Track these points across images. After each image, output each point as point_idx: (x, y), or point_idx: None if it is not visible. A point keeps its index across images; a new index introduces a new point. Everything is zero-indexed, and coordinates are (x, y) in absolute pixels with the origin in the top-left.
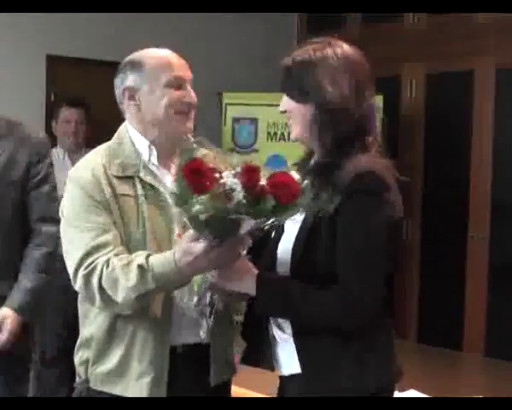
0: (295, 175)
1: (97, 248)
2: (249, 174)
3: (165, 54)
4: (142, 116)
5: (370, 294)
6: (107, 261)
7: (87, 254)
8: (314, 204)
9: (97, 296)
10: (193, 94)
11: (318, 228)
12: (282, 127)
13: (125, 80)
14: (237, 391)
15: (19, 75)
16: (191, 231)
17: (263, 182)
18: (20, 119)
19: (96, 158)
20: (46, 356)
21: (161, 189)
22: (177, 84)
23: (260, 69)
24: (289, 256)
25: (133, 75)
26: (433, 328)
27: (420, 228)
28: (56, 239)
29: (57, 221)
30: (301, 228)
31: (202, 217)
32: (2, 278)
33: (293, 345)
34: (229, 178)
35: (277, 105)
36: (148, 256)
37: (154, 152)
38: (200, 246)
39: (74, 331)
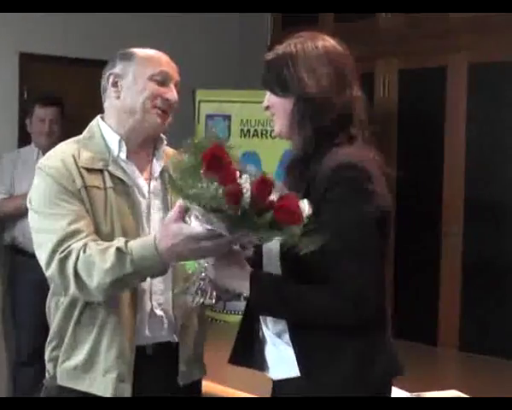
0: (306, 206)
1: (73, 233)
2: (261, 186)
3: (156, 52)
4: (120, 104)
5: (361, 288)
6: (84, 246)
7: (62, 240)
8: (301, 241)
9: (72, 282)
10: (175, 93)
11: None
12: (255, 124)
13: (113, 67)
14: (228, 392)
15: None
16: (172, 213)
17: (273, 197)
18: None
19: (66, 149)
20: (21, 355)
21: (130, 183)
22: (162, 79)
23: (234, 67)
24: (277, 248)
25: (121, 64)
26: (408, 323)
27: (394, 224)
28: None
29: None
30: None
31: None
32: None
33: (287, 349)
34: (245, 182)
35: (251, 102)
36: (127, 241)
37: (124, 147)
38: (178, 226)
39: (49, 330)
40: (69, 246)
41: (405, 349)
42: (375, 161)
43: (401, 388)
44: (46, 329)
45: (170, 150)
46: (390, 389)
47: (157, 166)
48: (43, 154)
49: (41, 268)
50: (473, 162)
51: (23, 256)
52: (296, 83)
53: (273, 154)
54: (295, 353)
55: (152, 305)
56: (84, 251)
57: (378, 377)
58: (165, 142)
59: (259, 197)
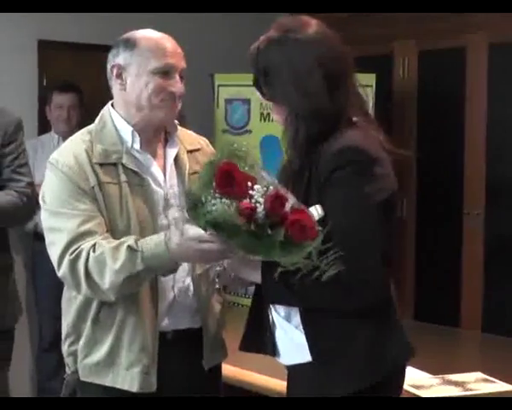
0: (318, 210)
1: (83, 234)
2: (275, 200)
3: (160, 38)
4: (126, 97)
5: (365, 272)
6: (94, 245)
7: (73, 241)
8: (315, 261)
9: (83, 282)
10: (179, 84)
11: (308, 201)
12: None
13: (116, 57)
14: (247, 375)
15: (11, 61)
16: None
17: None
18: (14, 104)
19: (78, 143)
20: (43, 341)
21: (144, 175)
22: (165, 71)
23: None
24: None
25: (124, 53)
26: (431, 306)
27: (415, 206)
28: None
29: (22, 193)
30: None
31: (209, 217)
32: None
33: (298, 334)
34: (258, 194)
35: None
36: (137, 239)
37: (137, 138)
38: (185, 226)
39: None
40: (79, 247)
41: (428, 332)
42: (379, 143)
43: (424, 370)
44: None
45: (185, 133)
46: (403, 373)
47: (171, 153)
48: (64, 140)
49: None
50: (494, 143)
51: (44, 242)
52: (284, 97)
53: None
54: (307, 338)
55: (175, 294)
56: (94, 250)
57: (390, 361)
58: (178, 128)
59: (273, 212)
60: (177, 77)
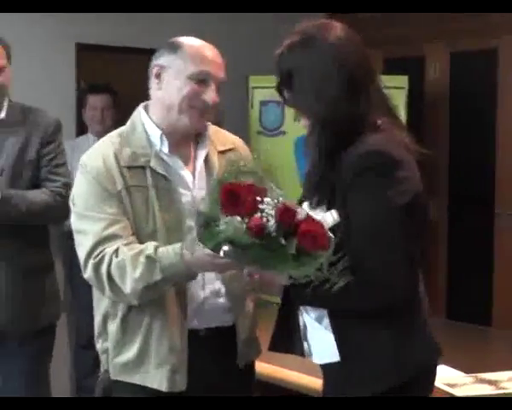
0: (333, 215)
1: (107, 238)
2: (285, 214)
3: (203, 46)
4: (161, 97)
5: (388, 275)
6: (117, 250)
7: (97, 244)
8: (325, 273)
9: (106, 286)
10: (213, 94)
11: (333, 206)
12: None
13: (159, 58)
14: (281, 372)
15: (49, 64)
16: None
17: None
18: (53, 107)
19: (107, 146)
20: (81, 338)
21: (172, 178)
22: (202, 78)
23: None
24: None
25: (167, 55)
26: (463, 305)
27: (446, 206)
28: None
29: (57, 193)
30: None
31: (222, 237)
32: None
33: (327, 334)
34: (268, 207)
35: None
36: (157, 247)
37: (166, 142)
38: (208, 258)
39: None
40: (103, 250)
41: (461, 331)
42: (404, 145)
43: (457, 368)
44: None
45: (219, 133)
46: (433, 373)
47: (201, 155)
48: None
49: None
50: None
51: None
52: (305, 102)
53: None
54: (335, 339)
55: (205, 295)
56: (117, 255)
57: (415, 361)
58: (210, 128)
59: (284, 223)
60: (213, 86)
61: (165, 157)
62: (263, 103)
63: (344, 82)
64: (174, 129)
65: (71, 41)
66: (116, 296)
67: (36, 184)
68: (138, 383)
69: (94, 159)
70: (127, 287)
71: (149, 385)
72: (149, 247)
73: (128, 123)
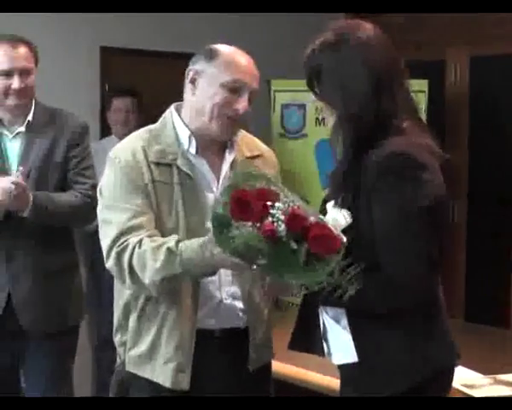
0: (346, 217)
1: (132, 228)
2: (294, 220)
3: (239, 55)
4: (193, 102)
5: (409, 277)
6: (140, 241)
7: (121, 234)
8: (336, 279)
9: (127, 275)
10: (245, 103)
11: (356, 206)
12: None
13: (196, 63)
14: (299, 372)
15: (74, 67)
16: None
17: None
18: (77, 109)
19: (136, 141)
20: (103, 335)
21: (198, 178)
22: (235, 87)
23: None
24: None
25: (203, 61)
26: (480, 307)
27: (466, 208)
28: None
29: (86, 195)
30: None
31: (235, 244)
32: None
33: (345, 335)
34: (279, 212)
35: None
36: (178, 241)
37: (194, 142)
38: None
39: None
40: (126, 240)
41: (479, 333)
42: (427, 149)
43: (476, 370)
44: None
45: (248, 138)
46: (449, 375)
47: (228, 159)
48: None
49: None
50: None
51: None
52: (332, 99)
53: None
54: (353, 339)
55: (222, 296)
56: (140, 246)
57: (431, 363)
58: (239, 133)
59: (293, 228)
60: (246, 96)
61: (191, 157)
62: (285, 106)
63: (371, 81)
64: (203, 133)
65: (95, 44)
66: (136, 286)
67: (62, 187)
68: (148, 377)
69: (123, 152)
70: (147, 277)
71: (155, 380)
72: (171, 240)
73: (159, 121)
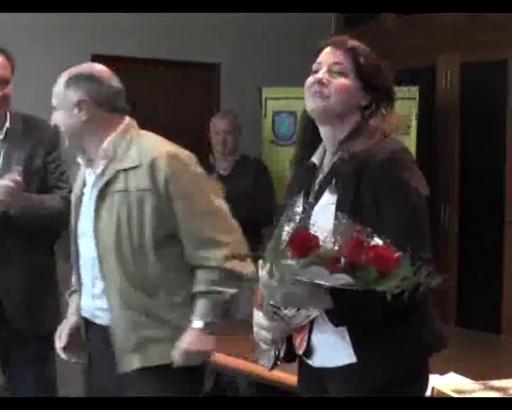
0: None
1: None
2: (354, 249)
3: None
4: None
5: (429, 262)
6: None
7: None
8: (413, 279)
9: None
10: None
11: (358, 203)
12: None
13: None
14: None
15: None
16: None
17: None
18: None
19: None
20: None
21: None
22: None
23: (298, 63)
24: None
25: None
26: (472, 312)
27: (457, 214)
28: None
29: (65, 198)
30: (339, 207)
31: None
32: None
33: (336, 336)
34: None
35: None
36: None
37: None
38: None
39: None
40: None
41: (470, 338)
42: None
43: (466, 376)
44: None
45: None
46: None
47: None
48: None
49: None
50: None
51: None
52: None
53: None
54: (351, 340)
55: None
56: None
57: (420, 352)
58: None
59: (354, 259)
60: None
61: None
62: (276, 114)
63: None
64: None
65: (87, 52)
66: None
67: (42, 191)
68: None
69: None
70: None
71: None
72: None
73: None
